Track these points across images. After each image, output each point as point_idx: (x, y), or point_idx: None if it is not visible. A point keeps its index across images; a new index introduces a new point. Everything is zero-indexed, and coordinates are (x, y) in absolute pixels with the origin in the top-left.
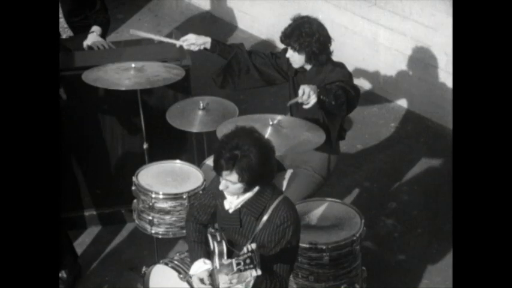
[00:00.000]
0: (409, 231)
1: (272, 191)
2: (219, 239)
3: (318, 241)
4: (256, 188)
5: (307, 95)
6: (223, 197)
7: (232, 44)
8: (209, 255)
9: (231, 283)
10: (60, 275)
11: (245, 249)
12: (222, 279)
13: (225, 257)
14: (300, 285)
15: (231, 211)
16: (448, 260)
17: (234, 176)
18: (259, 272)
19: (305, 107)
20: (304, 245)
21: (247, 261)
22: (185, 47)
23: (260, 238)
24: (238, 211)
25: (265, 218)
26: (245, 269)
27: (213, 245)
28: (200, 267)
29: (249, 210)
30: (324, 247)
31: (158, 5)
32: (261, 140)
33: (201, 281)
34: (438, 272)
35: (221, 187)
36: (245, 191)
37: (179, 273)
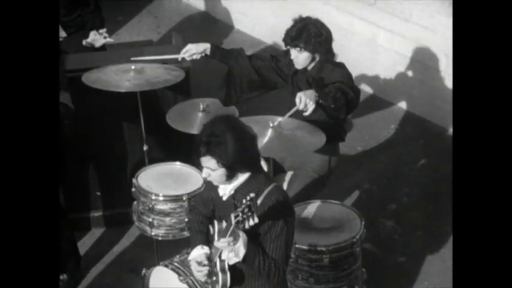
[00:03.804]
0: (409, 233)
1: (265, 177)
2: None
3: (317, 243)
4: (247, 174)
5: (304, 104)
6: (217, 185)
7: (232, 49)
8: (209, 242)
9: (229, 245)
10: (61, 277)
11: (244, 200)
12: (218, 243)
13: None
14: (299, 287)
15: (225, 198)
16: (448, 262)
17: (211, 162)
18: (256, 220)
19: (305, 114)
20: (304, 247)
21: (246, 209)
22: (187, 59)
23: None
24: (232, 197)
25: (258, 202)
26: (243, 219)
27: (213, 229)
28: (198, 252)
29: (242, 196)
30: (324, 249)
31: (158, 7)
32: (237, 125)
33: (199, 264)
34: (438, 274)
35: (204, 175)
36: (228, 178)
37: (179, 275)
